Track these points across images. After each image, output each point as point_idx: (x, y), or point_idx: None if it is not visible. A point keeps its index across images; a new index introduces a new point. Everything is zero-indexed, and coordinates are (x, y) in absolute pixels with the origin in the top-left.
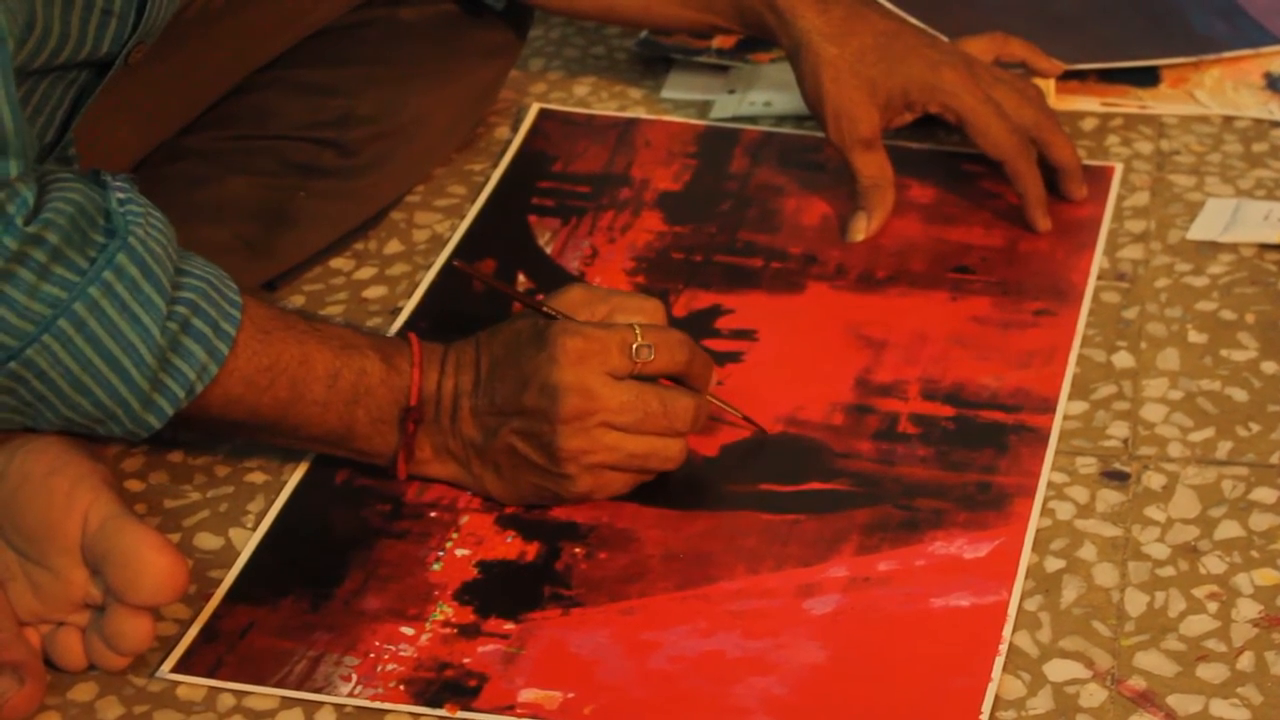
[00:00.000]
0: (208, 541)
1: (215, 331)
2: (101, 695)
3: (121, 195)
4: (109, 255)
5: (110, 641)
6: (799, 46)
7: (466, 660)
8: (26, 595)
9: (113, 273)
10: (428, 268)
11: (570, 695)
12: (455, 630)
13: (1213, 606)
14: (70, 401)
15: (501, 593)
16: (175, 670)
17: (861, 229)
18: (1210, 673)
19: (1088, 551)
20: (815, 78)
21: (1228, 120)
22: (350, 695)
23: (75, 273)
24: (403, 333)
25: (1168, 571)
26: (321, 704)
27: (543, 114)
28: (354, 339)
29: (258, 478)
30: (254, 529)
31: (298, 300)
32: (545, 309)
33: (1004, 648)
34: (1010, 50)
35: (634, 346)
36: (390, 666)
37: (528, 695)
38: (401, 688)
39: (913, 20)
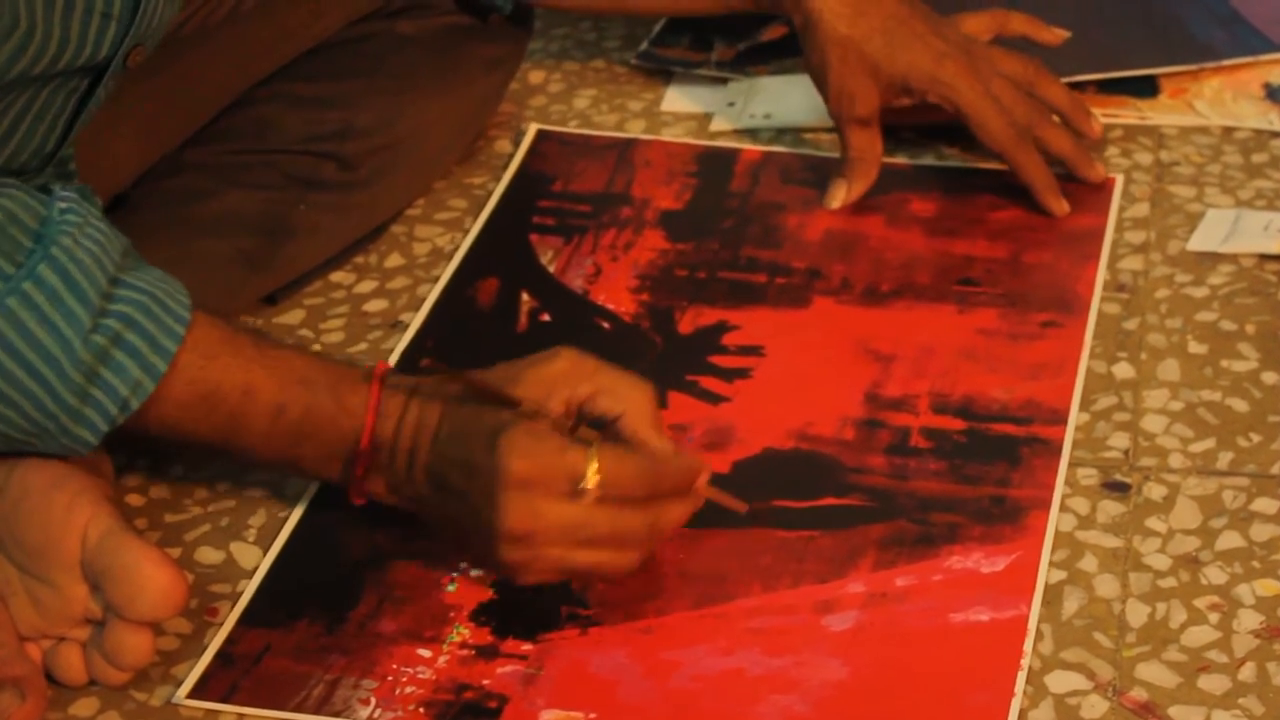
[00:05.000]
0: (209, 556)
1: (152, 347)
2: (103, 710)
3: (64, 205)
4: (31, 265)
5: (110, 657)
6: (810, 24)
7: (486, 682)
8: (27, 610)
9: (33, 283)
10: (429, 281)
11: (592, 716)
12: (473, 651)
13: (1214, 617)
14: (0, 415)
15: (518, 613)
16: (192, 695)
17: (840, 196)
18: (1212, 684)
19: (1089, 563)
20: (822, 54)
21: (1227, 131)
22: (370, 719)
23: None
24: (407, 351)
25: (1169, 582)
26: None
27: (541, 135)
28: (307, 372)
29: (259, 492)
30: (255, 543)
31: (298, 314)
32: (520, 405)
33: (1025, 662)
34: (1011, 26)
35: (579, 485)
36: (409, 689)
37: (549, 716)
38: (421, 710)
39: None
